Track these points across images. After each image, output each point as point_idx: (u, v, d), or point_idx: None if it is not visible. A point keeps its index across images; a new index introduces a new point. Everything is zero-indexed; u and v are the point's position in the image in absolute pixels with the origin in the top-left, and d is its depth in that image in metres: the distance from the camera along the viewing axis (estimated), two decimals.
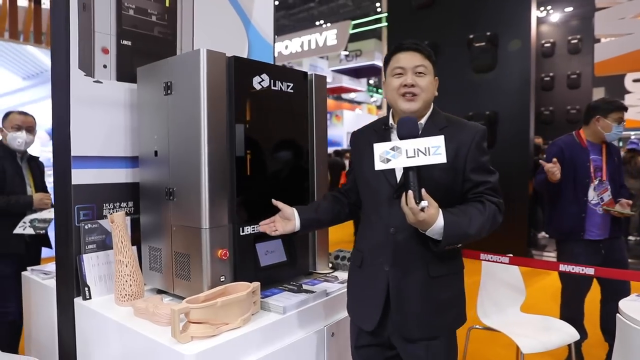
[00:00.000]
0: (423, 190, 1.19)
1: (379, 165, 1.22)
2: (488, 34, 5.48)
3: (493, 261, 2.20)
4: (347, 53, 15.57)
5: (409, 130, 1.25)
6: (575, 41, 10.27)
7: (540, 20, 11.34)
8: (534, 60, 5.60)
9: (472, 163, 1.36)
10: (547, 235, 6.73)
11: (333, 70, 17.35)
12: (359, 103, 24.91)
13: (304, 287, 1.67)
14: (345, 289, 1.68)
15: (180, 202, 1.52)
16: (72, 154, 1.61)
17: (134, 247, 1.76)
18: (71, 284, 1.63)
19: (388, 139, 1.40)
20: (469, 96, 5.74)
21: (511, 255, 2.19)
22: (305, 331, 1.50)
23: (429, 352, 1.36)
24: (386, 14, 6.97)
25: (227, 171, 1.50)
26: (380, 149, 1.23)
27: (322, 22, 16.71)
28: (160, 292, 1.66)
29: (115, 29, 1.72)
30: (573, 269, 1.99)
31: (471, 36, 5.61)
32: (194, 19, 1.99)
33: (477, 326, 2.37)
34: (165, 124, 1.56)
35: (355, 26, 13.92)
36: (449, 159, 1.20)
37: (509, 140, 5.48)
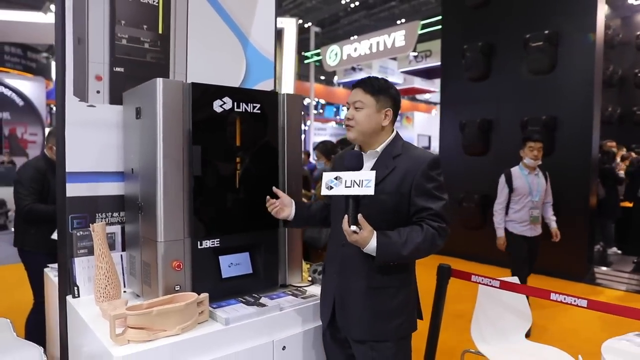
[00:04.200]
0: (359, 215, 1.38)
1: (324, 191, 1.44)
2: (546, 32, 5.08)
3: (484, 284, 2.08)
4: (416, 54, 15.17)
5: (350, 163, 1.47)
6: None
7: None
8: (601, 58, 5.07)
9: (417, 189, 1.49)
10: (619, 252, 6.07)
11: (402, 72, 17.02)
12: (435, 104, 24.16)
13: (263, 300, 1.74)
14: (307, 304, 1.79)
15: (146, 217, 1.67)
16: (67, 169, 1.84)
17: (124, 252, 1.97)
18: (66, 283, 1.86)
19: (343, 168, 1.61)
20: (525, 100, 5.37)
21: (502, 279, 2.06)
22: (248, 343, 1.57)
23: (373, 352, 1.53)
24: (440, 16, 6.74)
25: (185, 189, 1.62)
26: (327, 177, 1.44)
27: (403, 20, 16.45)
28: (138, 295, 1.83)
29: (108, 58, 1.93)
30: (565, 299, 1.83)
31: (527, 35, 5.24)
32: (188, 42, 2.15)
33: (471, 350, 2.26)
34: (138, 144, 1.72)
35: (425, 26, 13.52)
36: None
37: (569, 146, 5.04)
